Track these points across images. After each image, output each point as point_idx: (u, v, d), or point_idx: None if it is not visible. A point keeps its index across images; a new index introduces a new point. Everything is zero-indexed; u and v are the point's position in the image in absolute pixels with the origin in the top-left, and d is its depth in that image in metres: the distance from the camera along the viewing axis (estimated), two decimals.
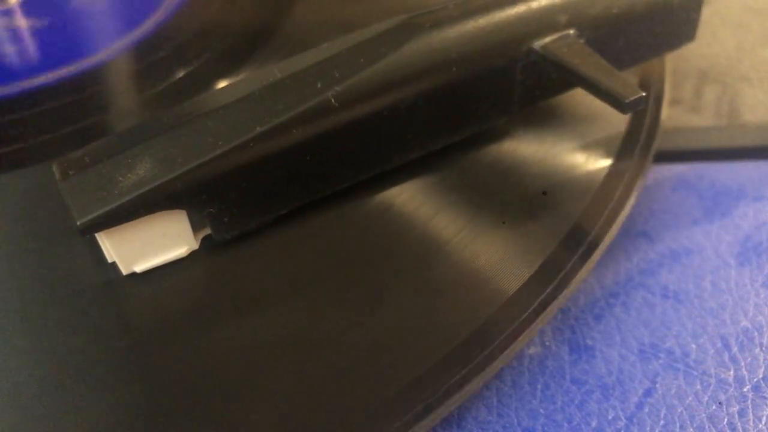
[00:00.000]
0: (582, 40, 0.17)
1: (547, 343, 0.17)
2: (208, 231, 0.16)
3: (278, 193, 0.16)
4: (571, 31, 0.17)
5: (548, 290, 0.16)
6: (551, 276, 0.16)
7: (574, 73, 0.17)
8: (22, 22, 0.24)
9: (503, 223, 0.17)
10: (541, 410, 0.16)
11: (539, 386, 0.16)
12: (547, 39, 0.17)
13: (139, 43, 0.22)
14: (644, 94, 0.16)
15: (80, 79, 0.21)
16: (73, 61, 0.22)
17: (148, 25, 0.23)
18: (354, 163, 0.17)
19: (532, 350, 0.17)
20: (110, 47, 0.22)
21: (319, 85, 0.15)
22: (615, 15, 0.18)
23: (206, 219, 0.15)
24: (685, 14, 0.19)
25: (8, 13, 0.24)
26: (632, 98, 0.16)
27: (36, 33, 0.23)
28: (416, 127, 0.17)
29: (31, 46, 0.23)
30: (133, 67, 0.22)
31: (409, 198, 0.17)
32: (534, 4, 0.17)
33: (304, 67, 0.16)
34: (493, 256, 0.16)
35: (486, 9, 0.17)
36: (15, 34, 0.23)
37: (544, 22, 0.17)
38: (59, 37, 0.23)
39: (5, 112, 0.20)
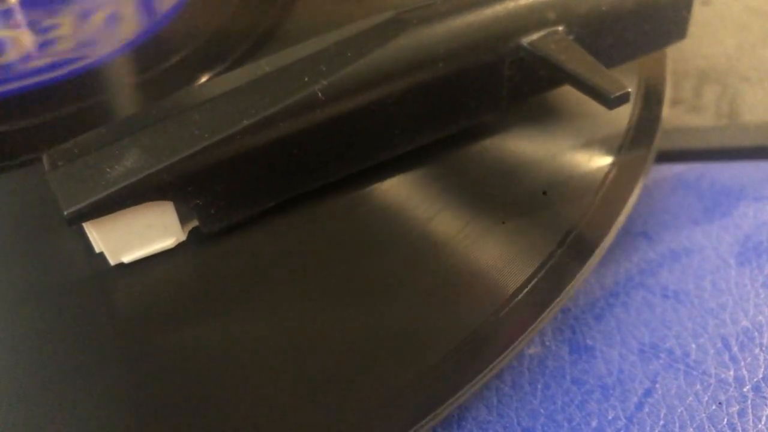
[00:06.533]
0: (571, 37, 0.17)
1: (547, 343, 0.17)
2: (195, 223, 0.16)
3: (265, 186, 0.16)
4: (560, 28, 0.17)
5: (548, 290, 0.16)
6: (551, 276, 0.16)
7: (560, 69, 0.17)
8: (21, 23, 0.24)
9: (503, 223, 0.17)
10: (541, 410, 0.16)
11: (539, 386, 0.16)
12: (536, 35, 0.17)
13: (139, 45, 0.22)
14: (629, 89, 0.16)
15: (78, 80, 0.21)
16: (73, 63, 0.22)
17: (148, 26, 0.23)
18: (340, 157, 0.17)
19: (532, 350, 0.17)
20: (109, 49, 0.22)
21: (306, 79, 0.15)
22: (604, 12, 0.18)
23: (193, 211, 0.16)
24: (676, 12, 0.19)
25: (8, 13, 0.24)
26: (617, 94, 0.16)
27: (35, 34, 0.23)
28: (403, 122, 0.17)
29: (30, 47, 0.23)
30: (132, 68, 0.22)
31: (408, 197, 0.17)
32: (522, 1, 0.17)
33: (292, 61, 0.16)
34: (493, 256, 0.16)
35: (474, 5, 0.17)
36: (14, 35, 0.23)
37: (532, 18, 0.17)
38: (59, 38, 0.23)
39: (3, 112, 0.20)
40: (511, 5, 0.17)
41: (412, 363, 0.14)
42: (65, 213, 0.14)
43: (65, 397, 0.14)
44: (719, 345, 0.17)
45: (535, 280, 0.16)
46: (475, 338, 0.15)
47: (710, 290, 0.18)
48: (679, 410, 0.15)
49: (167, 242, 0.16)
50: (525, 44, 0.17)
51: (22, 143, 0.19)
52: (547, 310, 0.16)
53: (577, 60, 0.17)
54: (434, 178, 0.18)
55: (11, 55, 0.23)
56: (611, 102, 0.16)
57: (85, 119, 0.19)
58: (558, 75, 0.17)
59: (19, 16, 0.24)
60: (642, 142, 0.19)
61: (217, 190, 0.15)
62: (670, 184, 0.21)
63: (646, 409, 0.16)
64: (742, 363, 0.16)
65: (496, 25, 0.17)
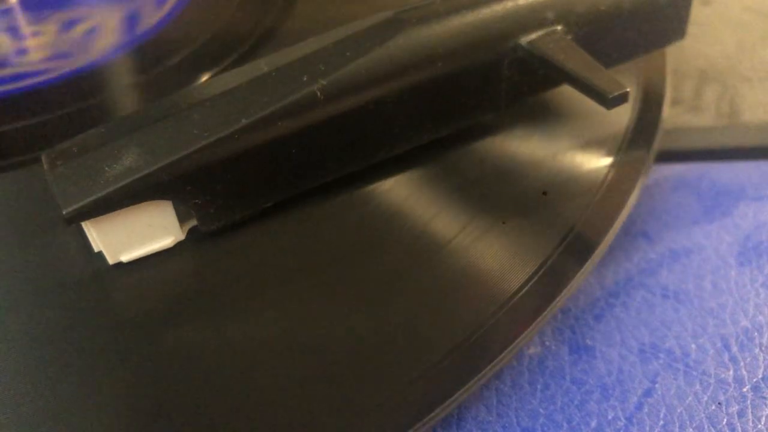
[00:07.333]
0: (569, 37, 0.17)
1: (547, 343, 0.17)
2: (194, 222, 0.16)
3: (264, 185, 0.16)
4: (559, 28, 0.17)
5: (548, 290, 0.16)
6: (551, 276, 0.16)
7: (559, 69, 0.17)
8: (21, 22, 0.24)
9: (503, 223, 0.17)
10: (541, 410, 0.16)
11: (539, 386, 0.16)
12: (534, 35, 0.17)
13: (140, 44, 0.22)
14: (628, 89, 0.16)
15: (78, 80, 0.21)
16: (73, 63, 0.22)
17: (148, 26, 0.23)
18: (339, 156, 0.17)
19: (532, 350, 0.17)
20: (110, 48, 0.22)
21: (305, 79, 0.16)
22: (603, 12, 0.18)
23: (192, 210, 0.16)
24: (674, 12, 0.19)
25: (8, 13, 0.24)
26: (616, 94, 0.16)
27: (36, 33, 0.23)
28: (402, 122, 0.17)
29: (30, 47, 0.23)
30: (134, 67, 0.22)
31: (408, 197, 0.17)
32: (521, 1, 0.17)
33: (291, 60, 0.16)
34: (493, 257, 0.16)
35: (473, 5, 0.17)
36: (14, 35, 0.23)
37: (531, 18, 0.17)
38: (60, 37, 0.23)
39: (3, 112, 0.20)
40: (509, 5, 0.17)
41: (412, 363, 0.14)
42: (64, 212, 0.14)
43: (64, 396, 0.14)
44: (719, 345, 0.17)
45: (535, 280, 0.16)
46: (475, 338, 0.15)
47: (710, 290, 0.18)
48: (679, 410, 0.15)
49: (166, 241, 0.16)
50: (524, 44, 0.17)
51: (21, 143, 0.19)
52: (547, 310, 0.16)
53: (576, 60, 0.17)
54: (434, 178, 0.18)
55: (11, 55, 0.23)
56: (609, 102, 0.16)
57: (85, 119, 0.19)
58: (557, 75, 0.17)
59: (20, 16, 0.24)
60: (642, 142, 0.19)
61: (216, 189, 0.15)
62: (670, 184, 0.21)
63: (646, 409, 0.16)
64: (742, 363, 0.16)
65: (494, 24, 0.17)
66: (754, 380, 0.16)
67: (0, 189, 0.18)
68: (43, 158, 0.15)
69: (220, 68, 0.21)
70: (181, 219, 0.16)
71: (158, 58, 0.21)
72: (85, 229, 0.15)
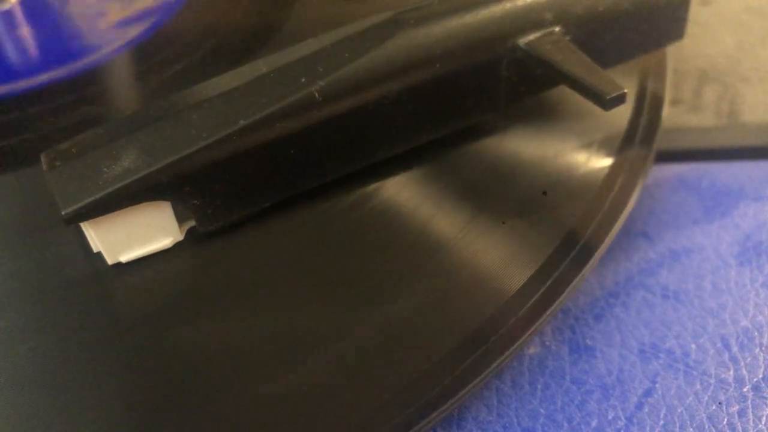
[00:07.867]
0: (567, 38, 0.17)
1: (547, 343, 0.17)
2: (193, 223, 0.16)
3: (262, 186, 0.16)
4: (557, 29, 0.17)
5: (548, 290, 0.16)
6: (551, 276, 0.16)
7: (557, 69, 0.17)
8: (21, 22, 0.24)
9: (503, 223, 0.17)
10: (541, 410, 0.16)
11: (539, 386, 0.16)
12: (532, 36, 0.17)
13: (139, 44, 0.22)
14: (625, 91, 0.16)
15: (79, 79, 0.21)
16: (73, 62, 0.22)
17: (148, 25, 0.23)
18: (338, 157, 0.17)
19: (532, 350, 0.17)
20: (110, 48, 0.22)
21: (303, 80, 0.16)
22: (601, 12, 0.18)
23: (191, 210, 0.16)
24: (673, 12, 0.19)
25: (8, 12, 0.24)
26: (613, 95, 0.16)
27: (36, 33, 0.23)
28: (400, 123, 0.17)
29: (30, 46, 0.23)
30: (133, 67, 0.22)
31: (408, 197, 0.17)
32: (519, 2, 0.17)
33: (289, 61, 0.16)
34: (493, 257, 0.16)
35: (471, 6, 0.17)
36: (14, 34, 0.23)
37: (529, 19, 0.17)
38: (60, 37, 0.23)
39: (3, 112, 0.20)
40: (508, 6, 0.17)
41: (412, 363, 0.14)
42: (63, 213, 0.14)
43: (63, 395, 0.14)
44: (719, 345, 0.17)
45: (535, 280, 0.16)
46: (475, 338, 0.15)
47: (710, 290, 0.18)
48: (679, 410, 0.15)
49: (165, 242, 0.16)
50: (522, 45, 0.17)
51: (21, 143, 0.19)
52: (548, 310, 0.15)
53: (574, 61, 0.17)
54: (434, 178, 0.18)
55: (11, 55, 0.23)
56: (607, 103, 0.16)
57: (84, 119, 0.19)
58: (554, 76, 0.17)
59: (20, 16, 0.24)
60: (642, 142, 0.19)
61: (214, 189, 0.15)
62: (670, 184, 0.21)
63: (646, 409, 0.16)
64: (742, 363, 0.16)
65: (493, 25, 0.17)
66: (755, 380, 0.16)
67: (0, 189, 0.18)
68: (42, 158, 0.15)
69: (220, 68, 0.21)
70: (180, 219, 0.16)
71: (157, 58, 0.21)
72: (84, 230, 0.15)
